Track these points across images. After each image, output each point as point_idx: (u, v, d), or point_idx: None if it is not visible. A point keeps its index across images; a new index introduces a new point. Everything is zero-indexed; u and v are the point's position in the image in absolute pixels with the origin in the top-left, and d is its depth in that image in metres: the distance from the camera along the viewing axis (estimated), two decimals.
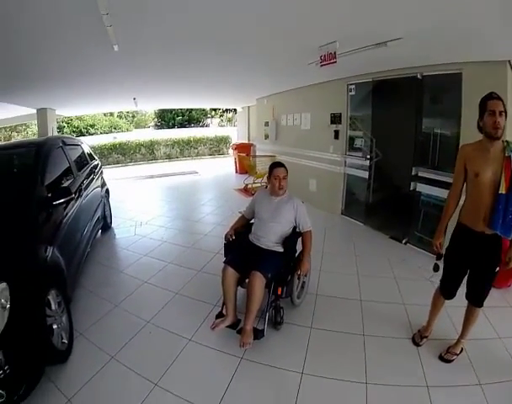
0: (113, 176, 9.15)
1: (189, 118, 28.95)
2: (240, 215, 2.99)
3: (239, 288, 2.56)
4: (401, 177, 4.34)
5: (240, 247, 2.66)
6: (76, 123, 22.63)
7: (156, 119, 30.50)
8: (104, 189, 5.03)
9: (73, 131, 21.19)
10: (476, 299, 2.09)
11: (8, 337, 1.62)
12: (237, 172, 10.08)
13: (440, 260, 2.19)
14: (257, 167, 7.81)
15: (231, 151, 11.96)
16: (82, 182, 3.69)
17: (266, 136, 8.14)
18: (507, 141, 1.85)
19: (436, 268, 2.19)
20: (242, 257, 2.52)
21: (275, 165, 2.70)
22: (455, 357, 2.18)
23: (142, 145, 13.83)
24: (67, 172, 3.38)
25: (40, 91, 5.69)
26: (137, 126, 30.34)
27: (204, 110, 28.04)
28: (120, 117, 28.63)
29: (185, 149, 14.72)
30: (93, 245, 3.95)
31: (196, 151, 14.95)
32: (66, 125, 21.39)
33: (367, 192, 4.95)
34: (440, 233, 2.16)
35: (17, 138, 17.38)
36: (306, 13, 2.39)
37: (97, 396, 1.95)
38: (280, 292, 2.47)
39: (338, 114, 5.37)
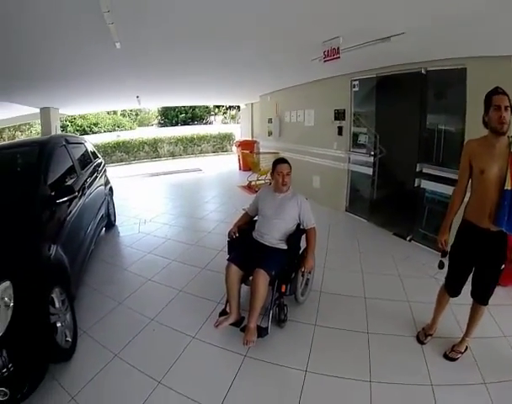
0: (117, 174, 9.17)
1: (193, 115, 28.88)
2: (244, 212, 2.98)
3: (243, 285, 2.55)
4: (405, 173, 4.30)
5: (243, 245, 2.65)
6: (79, 121, 22.66)
7: (159, 117, 30.50)
8: (108, 187, 5.04)
9: (77, 130, 21.21)
10: (481, 297, 2.06)
11: (11, 336, 1.63)
12: (240, 169, 10.07)
13: (444, 257, 2.16)
14: (260, 164, 7.81)
15: (234, 148, 11.94)
16: (86, 180, 3.69)
17: (270, 133, 8.11)
18: None
19: (441, 266, 2.16)
20: (246, 255, 2.51)
21: (279, 161, 2.69)
22: (459, 355, 2.16)
23: (146, 143, 13.85)
24: (71, 171, 3.39)
25: (42, 90, 5.70)
26: (141, 124, 30.32)
27: (207, 108, 27.96)
28: (124, 115, 28.61)
29: (189, 146, 14.73)
30: (97, 243, 3.98)
31: (200, 148, 14.95)
32: (69, 124, 21.43)
33: (371, 189, 4.93)
34: (445, 230, 2.13)
35: (21, 137, 17.45)
36: (308, 7, 2.37)
37: (100, 393, 1.96)
38: (283, 289, 2.45)
39: (342, 110, 5.33)
